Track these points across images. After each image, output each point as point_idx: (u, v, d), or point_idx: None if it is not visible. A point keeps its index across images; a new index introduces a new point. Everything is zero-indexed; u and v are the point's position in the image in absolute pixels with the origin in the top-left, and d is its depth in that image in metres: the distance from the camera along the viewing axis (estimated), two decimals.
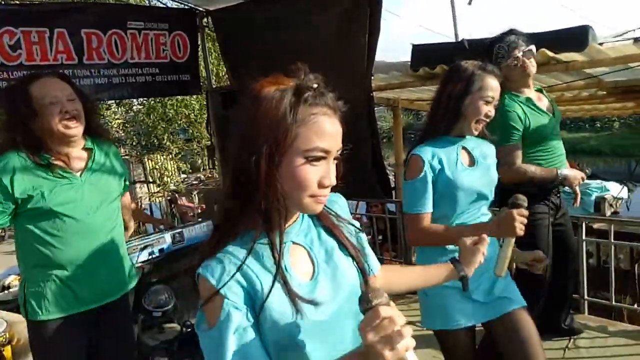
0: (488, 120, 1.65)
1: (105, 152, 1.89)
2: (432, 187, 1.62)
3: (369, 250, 1.09)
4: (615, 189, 3.92)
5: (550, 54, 2.84)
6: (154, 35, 3.90)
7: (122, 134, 13.74)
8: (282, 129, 0.81)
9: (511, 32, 2.27)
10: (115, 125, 13.55)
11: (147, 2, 6.18)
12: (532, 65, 2.24)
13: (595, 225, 3.64)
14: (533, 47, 2.25)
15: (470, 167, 1.67)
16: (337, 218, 1.00)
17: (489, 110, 1.63)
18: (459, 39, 3.71)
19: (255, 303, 0.84)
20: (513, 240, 1.47)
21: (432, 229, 1.63)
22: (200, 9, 4.45)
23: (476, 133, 1.66)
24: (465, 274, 1.20)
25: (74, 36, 3.40)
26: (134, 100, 11.75)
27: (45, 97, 1.64)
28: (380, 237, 5.05)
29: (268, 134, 0.81)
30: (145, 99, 10.58)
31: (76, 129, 1.70)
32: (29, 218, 1.68)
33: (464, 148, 1.69)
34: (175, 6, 4.59)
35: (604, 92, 4.06)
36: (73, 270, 1.72)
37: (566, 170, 2.24)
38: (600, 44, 3.07)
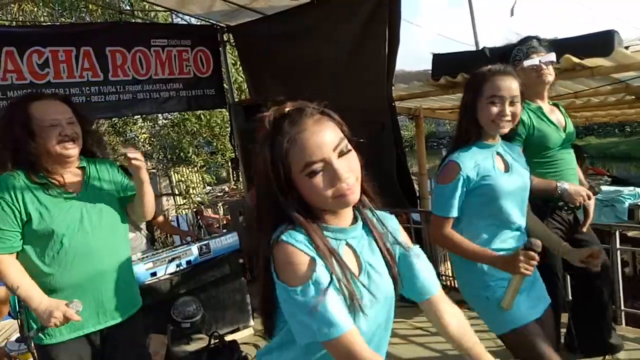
0: (505, 119, 1.64)
1: (101, 170, 1.83)
2: (464, 194, 1.67)
3: (421, 273, 1.16)
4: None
5: (576, 59, 2.77)
6: (177, 52, 4.00)
7: (149, 148, 14.05)
8: (280, 157, 0.91)
9: (534, 37, 2.21)
10: (142, 140, 13.87)
11: (170, 19, 6.33)
12: (549, 73, 2.16)
13: (630, 234, 3.52)
14: (553, 56, 2.17)
15: (506, 172, 1.69)
16: (382, 228, 1.07)
17: (500, 110, 1.62)
18: (480, 47, 3.66)
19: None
20: (522, 278, 1.56)
21: (454, 238, 1.68)
22: (222, 24, 4.54)
23: (499, 133, 1.68)
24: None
25: (99, 54, 3.52)
26: (160, 115, 12.03)
27: (46, 119, 1.64)
28: None
29: (274, 169, 0.91)
30: (172, 113, 10.79)
31: (73, 149, 1.69)
32: (29, 240, 1.64)
33: (497, 154, 1.70)
34: (197, 23, 4.70)
35: (632, 97, 3.94)
36: (75, 293, 1.66)
37: (567, 184, 2.11)
38: (626, 47, 2.99)
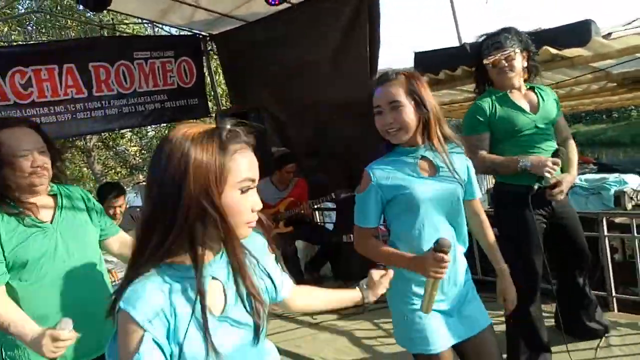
0: (392, 128, 1.55)
1: (72, 197, 1.78)
2: (379, 204, 1.61)
3: (278, 276, 1.13)
4: (634, 182, 3.84)
5: (554, 51, 2.81)
6: (161, 63, 4.00)
7: (140, 161, 14.00)
8: (218, 166, 0.86)
9: (504, 30, 2.27)
10: (132, 153, 13.83)
11: (152, 31, 6.32)
12: (508, 68, 2.22)
13: (617, 220, 3.55)
14: (522, 47, 2.24)
15: (430, 177, 1.58)
16: (248, 255, 1.01)
17: (383, 119, 1.57)
18: (461, 43, 3.69)
19: (172, 338, 0.86)
20: (437, 281, 1.45)
21: (370, 244, 1.67)
22: (204, 33, 4.54)
23: (395, 141, 1.60)
24: (369, 301, 1.39)
25: (82, 70, 3.52)
26: (149, 127, 12.00)
27: (16, 149, 1.57)
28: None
29: (204, 172, 0.85)
30: (158, 124, 10.76)
31: (44, 178, 1.64)
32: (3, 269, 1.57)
33: (423, 157, 1.59)
34: (180, 33, 4.70)
35: (615, 84, 4.00)
36: (52, 324, 1.56)
37: (529, 158, 2.14)
38: (609, 34, 3.03)
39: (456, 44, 3.71)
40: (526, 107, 2.31)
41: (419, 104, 1.53)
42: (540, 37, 2.96)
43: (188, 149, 0.84)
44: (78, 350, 1.67)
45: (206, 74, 4.61)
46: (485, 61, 2.26)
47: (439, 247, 1.40)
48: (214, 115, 4.95)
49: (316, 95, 4.03)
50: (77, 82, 3.50)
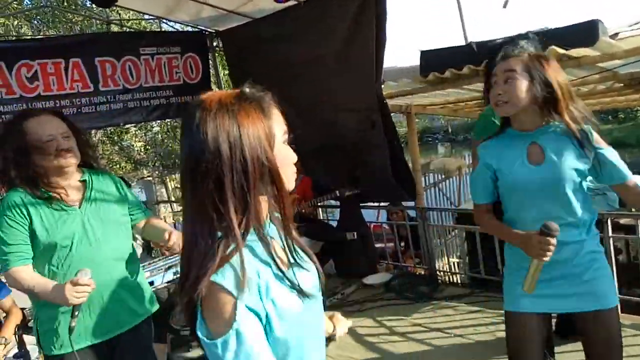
0: (500, 99, 1.53)
1: (103, 182, 1.87)
2: (488, 181, 1.65)
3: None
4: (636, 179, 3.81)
5: (561, 50, 2.80)
6: (167, 59, 4.01)
7: (144, 156, 14.04)
8: (266, 126, 0.89)
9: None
10: (137, 148, 13.86)
11: (159, 27, 6.35)
12: None
13: (622, 221, 3.53)
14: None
15: (536, 164, 1.54)
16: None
17: (495, 91, 1.55)
18: (468, 42, 3.68)
19: (264, 298, 0.85)
20: (540, 263, 1.45)
21: (483, 218, 1.70)
22: (211, 30, 4.55)
23: (501, 113, 1.59)
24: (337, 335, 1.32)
25: (88, 65, 3.53)
26: (153, 122, 12.03)
27: (42, 135, 1.67)
28: (402, 244, 5.01)
29: (257, 135, 0.86)
30: (164, 120, 10.78)
31: (70, 159, 1.73)
32: (34, 252, 1.69)
33: (534, 143, 1.56)
34: (186, 29, 4.71)
35: (622, 84, 3.98)
36: (83, 305, 1.67)
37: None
38: (616, 34, 3.01)
39: (462, 42, 3.70)
40: None
41: (538, 82, 1.50)
42: (547, 37, 2.95)
43: (234, 118, 0.85)
44: (108, 327, 1.78)
45: (212, 70, 4.62)
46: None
47: (545, 230, 1.42)
48: None
49: (322, 93, 4.03)
50: (83, 76, 3.52)
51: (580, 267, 1.58)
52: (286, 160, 0.93)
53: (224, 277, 0.82)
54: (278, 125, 0.92)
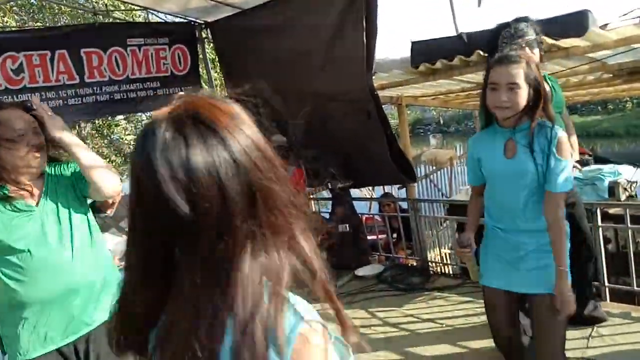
0: (503, 107, 1.71)
1: (58, 172, 1.77)
2: (477, 168, 1.94)
3: None
4: (628, 172, 3.84)
5: (550, 41, 2.80)
6: (154, 50, 3.95)
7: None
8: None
9: (524, 19, 2.37)
10: (126, 142, 13.73)
11: (147, 17, 6.26)
12: (533, 55, 2.29)
13: (611, 211, 3.56)
14: (538, 38, 2.34)
15: (508, 158, 1.78)
16: None
17: (498, 96, 1.70)
18: (458, 33, 3.67)
19: None
20: (469, 260, 1.98)
21: (470, 200, 2.06)
22: (199, 21, 4.48)
23: (502, 121, 1.79)
24: None
25: (74, 56, 3.46)
26: (143, 115, 11.90)
27: (13, 130, 1.59)
28: (394, 236, 5.02)
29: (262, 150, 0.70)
30: (151, 112, 10.69)
31: (40, 159, 1.65)
32: None
33: (511, 139, 1.78)
34: (174, 20, 4.64)
35: (610, 75, 3.99)
36: (44, 308, 1.63)
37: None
38: (605, 25, 3.01)
39: (453, 33, 3.69)
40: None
41: (532, 89, 1.71)
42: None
43: (243, 129, 0.68)
44: (74, 328, 1.71)
45: (201, 61, 4.56)
46: (515, 47, 2.26)
47: (458, 242, 1.94)
48: None
49: (312, 85, 4.00)
50: (69, 68, 3.45)
51: (530, 255, 1.82)
52: None
53: (314, 316, 0.67)
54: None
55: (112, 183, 1.74)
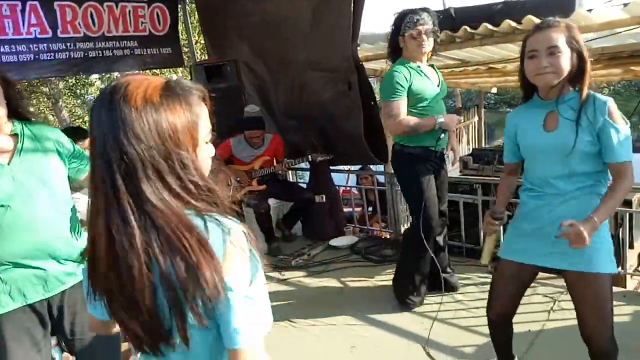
0: (546, 72, 1.59)
1: (37, 136, 1.71)
2: (514, 144, 1.84)
3: None
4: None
5: (537, 20, 2.78)
6: (132, 8, 3.79)
7: None
8: (190, 125, 0.84)
9: (424, 9, 2.60)
10: None
11: None
12: (427, 44, 2.60)
13: None
14: (436, 29, 2.64)
15: (548, 131, 1.68)
16: None
17: (538, 62, 1.60)
18: (446, 7, 3.63)
19: None
20: (493, 236, 1.85)
21: (502, 178, 2.00)
22: None
23: (544, 89, 1.67)
24: None
25: (47, 9, 3.30)
26: (118, 75, 11.54)
27: None
28: (370, 209, 5.07)
29: (180, 133, 0.82)
30: (130, 74, 10.37)
31: None
32: None
33: (553, 111, 1.67)
34: None
35: (591, 59, 4.03)
36: (17, 265, 1.61)
37: (442, 117, 2.62)
38: (590, 10, 3.02)
39: (440, 8, 3.65)
40: (434, 79, 2.71)
41: (576, 55, 1.60)
42: (524, 7, 2.93)
43: (157, 112, 0.79)
44: (48, 286, 1.69)
45: (181, 22, 4.41)
46: (409, 33, 2.57)
47: (491, 212, 1.82)
48: (188, 66, 4.79)
49: (294, 54, 3.92)
50: (40, 20, 3.29)
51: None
52: (207, 162, 0.89)
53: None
54: (203, 122, 0.85)
55: None
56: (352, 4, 3.40)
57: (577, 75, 1.62)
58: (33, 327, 1.70)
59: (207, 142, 0.87)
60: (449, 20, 3.28)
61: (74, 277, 1.77)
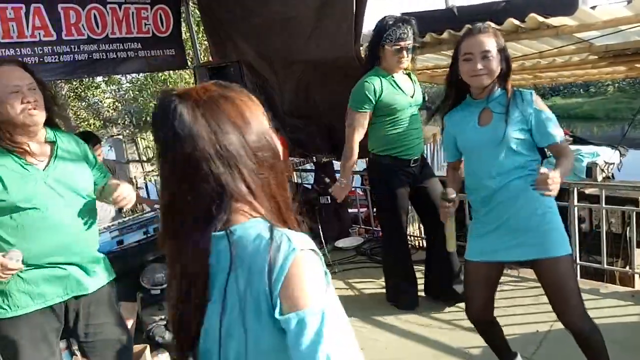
0: (480, 74, 1.74)
1: (70, 146, 1.79)
2: (453, 143, 1.96)
3: None
4: (606, 154, 3.91)
5: (541, 18, 2.77)
6: (135, 10, 3.80)
7: (114, 113, 13.61)
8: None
9: (407, 22, 2.59)
10: (106, 105, 13.40)
11: None
12: (406, 60, 2.61)
13: (588, 191, 3.64)
14: (416, 42, 2.62)
15: (483, 126, 1.81)
16: None
17: (473, 65, 1.74)
18: (449, 6, 3.61)
19: None
20: (449, 220, 1.93)
21: (448, 174, 2.11)
22: None
23: (477, 89, 1.81)
24: None
25: (51, 12, 3.32)
26: (123, 78, 11.58)
27: (7, 86, 1.57)
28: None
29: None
30: (135, 76, 10.41)
31: (37, 117, 1.63)
32: None
33: (486, 108, 1.82)
34: None
35: (595, 57, 4.00)
36: (39, 267, 1.65)
37: (344, 186, 2.75)
38: (594, 7, 3.00)
39: (443, 6, 3.64)
40: (408, 90, 2.69)
41: (502, 58, 1.77)
42: (528, 5, 2.92)
43: (224, 109, 0.79)
44: (68, 289, 1.73)
45: (184, 24, 4.42)
46: (390, 47, 2.55)
47: (442, 196, 1.90)
48: (192, 68, 4.79)
49: (298, 54, 3.92)
50: (45, 23, 3.30)
51: (520, 222, 1.80)
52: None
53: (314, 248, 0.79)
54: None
55: (128, 204, 1.80)
56: (355, 5, 3.40)
57: (504, 75, 1.79)
58: (49, 330, 1.74)
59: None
60: (451, 19, 3.27)
61: (94, 281, 1.81)
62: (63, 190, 1.69)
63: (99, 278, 1.84)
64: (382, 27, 2.59)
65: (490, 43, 1.75)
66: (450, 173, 2.11)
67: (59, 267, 1.70)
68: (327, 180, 4.24)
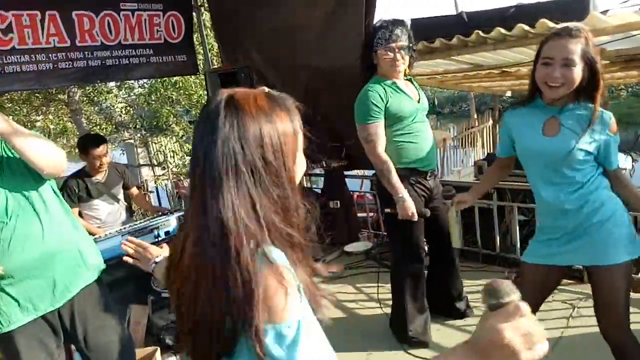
0: (556, 84, 1.59)
1: (7, 148, 1.68)
2: (509, 141, 1.85)
3: None
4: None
5: (551, 24, 2.77)
6: (148, 16, 3.85)
7: (126, 117, 13.74)
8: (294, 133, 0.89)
9: (400, 23, 2.40)
10: (118, 109, 13.54)
11: None
12: (401, 62, 2.38)
13: None
14: (411, 44, 2.41)
15: (548, 137, 1.68)
16: None
17: (551, 71, 1.58)
18: (459, 12, 3.62)
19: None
20: (449, 217, 2.02)
21: (490, 167, 2.10)
22: None
23: (550, 98, 1.66)
24: None
25: (65, 18, 3.37)
26: (135, 82, 11.71)
27: None
28: (384, 226, 5.05)
29: (289, 141, 0.87)
30: (146, 81, 10.52)
31: None
32: None
33: (554, 117, 1.68)
34: None
35: (607, 61, 3.97)
36: (24, 278, 1.63)
37: (407, 199, 2.33)
38: (606, 11, 2.99)
39: (453, 12, 3.64)
40: (413, 95, 2.49)
41: (589, 69, 1.58)
42: (538, 10, 2.92)
43: (270, 120, 0.81)
44: (57, 295, 1.71)
45: (196, 30, 4.47)
46: (383, 50, 2.36)
47: (443, 193, 2.04)
48: (203, 74, 4.84)
49: (308, 59, 3.94)
50: (59, 30, 3.35)
51: (580, 228, 1.71)
52: (301, 171, 0.92)
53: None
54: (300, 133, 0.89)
55: (49, 162, 1.65)
56: (364, 12, 3.41)
57: (587, 88, 1.62)
58: (46, 338, 1.73)
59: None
60: (461, 25, 3.27)
61: (82, 282, 1.79)
62: (20, 195, 1.64)
63: (86, 277, 1.80)
64: (372, 33, 2.44)
65: (576, 50, 1.55)
66: (492, 170, 2.02)
67: (45, 276, 1.68)
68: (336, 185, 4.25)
